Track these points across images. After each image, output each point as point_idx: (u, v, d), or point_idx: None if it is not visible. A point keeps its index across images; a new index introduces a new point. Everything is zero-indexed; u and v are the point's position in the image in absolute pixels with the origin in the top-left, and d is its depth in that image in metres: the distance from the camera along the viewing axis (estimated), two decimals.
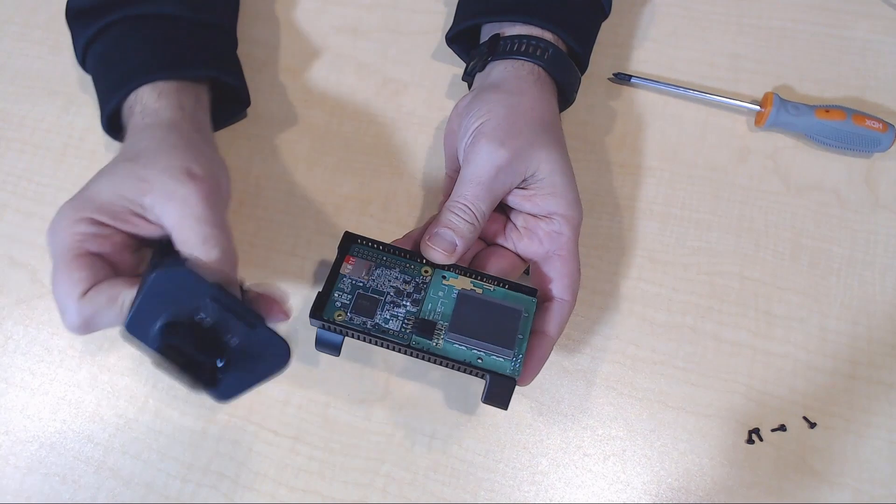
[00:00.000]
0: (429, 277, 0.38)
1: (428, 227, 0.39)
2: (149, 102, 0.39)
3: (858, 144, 0.47)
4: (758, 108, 0.48)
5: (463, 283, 0.38)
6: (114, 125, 0.42)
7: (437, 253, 0.37)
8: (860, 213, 0.47)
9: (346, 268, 0.38)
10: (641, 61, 0.51)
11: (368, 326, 0.36)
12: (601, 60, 0.51)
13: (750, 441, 0.41)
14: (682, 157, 0.48)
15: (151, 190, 0.34)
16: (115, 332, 0.43)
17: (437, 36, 0.52)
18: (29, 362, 0.43)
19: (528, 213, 0.40)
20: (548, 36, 0.42)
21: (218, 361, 0.31)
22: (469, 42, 0.47)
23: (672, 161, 0.48)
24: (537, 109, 0.40)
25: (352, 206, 0.47)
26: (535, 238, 0.40)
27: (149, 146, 0.37)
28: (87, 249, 0.34)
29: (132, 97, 0.40)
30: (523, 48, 0.41)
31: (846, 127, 0.47)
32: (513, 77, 0.41)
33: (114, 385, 0.43)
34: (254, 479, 0.41)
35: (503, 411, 0.42)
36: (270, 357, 0.32)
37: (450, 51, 0.48)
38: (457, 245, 0.37)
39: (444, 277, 0.38)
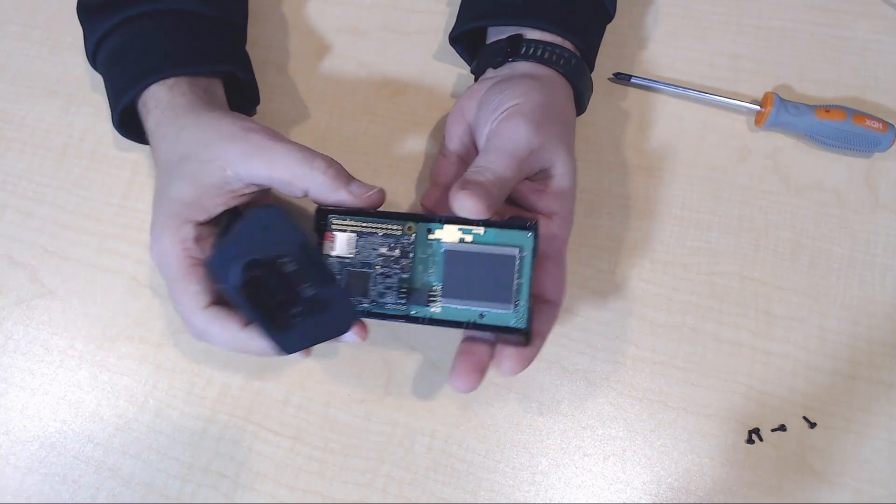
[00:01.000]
0: (413, 235, 0.35)
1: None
2: (164, 98, 0.39)
3: (858, 144, 0.47)
4: (758, 108, 0.48)
5: (450, 233, 0.35)
6: (124, 122, 0.42)
7: (471, 201, 0.33)
8: (860, 213, 0.47)
9: (329, 247, 0.36)
10: (641, 61, 0.51)
11: (366, 306, 0.36)
12: (601, 60, 0.51)
13: (750, 441, 0.41)
14: (682, 157, 0.48)
15: (227, 162, 0.36)
16: (115, 332, 0.44)
17: (437, 36, 0.52)
18: (29, 362, 0.43)
19: (530, 208, 0.39)
20: (568, 45, 0.42)
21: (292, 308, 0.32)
22: (472, 42, 0.47)
23: (672, 161, 0.48)
24: (566, 110, 0.40)
25: None
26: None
27: (192, 134, 0.37)
28: (195, 257, 0.36)
29: (146, 94, 0.40)
30: (546, 55, 0.41)
31: (846, 127, 0.46)
32: (544, 74, 0.41)
33: (114, 385, 0.43)
34: (254, 479, 0.41)
35: (503, 410, 0.42)
36: (337, 316, 0.33)
37: (450, 51, 0.48)
38: (492, 196, 0.34)
39: (429, 231, 0.36)
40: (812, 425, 0.42)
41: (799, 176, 0.48)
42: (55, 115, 0.49)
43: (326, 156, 0.36)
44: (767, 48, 0.52)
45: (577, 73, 0.42)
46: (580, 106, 0.44)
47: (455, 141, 0.42)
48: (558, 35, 0.42)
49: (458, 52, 0.48)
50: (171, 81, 0.40)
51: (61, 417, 0.42)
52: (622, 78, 0.50)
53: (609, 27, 0.50)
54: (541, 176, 0.39)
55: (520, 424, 0.42)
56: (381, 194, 0.36)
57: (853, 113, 0.47)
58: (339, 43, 0.52)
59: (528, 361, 0.35)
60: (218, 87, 0.43)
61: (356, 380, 0.43)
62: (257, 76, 0.51)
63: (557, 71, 0.41)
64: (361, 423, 0.42)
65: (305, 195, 0.37)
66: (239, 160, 0.36)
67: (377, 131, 0.49)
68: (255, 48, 0.51)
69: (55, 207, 0.47)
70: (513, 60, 0.42)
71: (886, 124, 0.47)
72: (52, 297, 0.45)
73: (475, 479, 0.41)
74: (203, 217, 0.36)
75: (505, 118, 0.38)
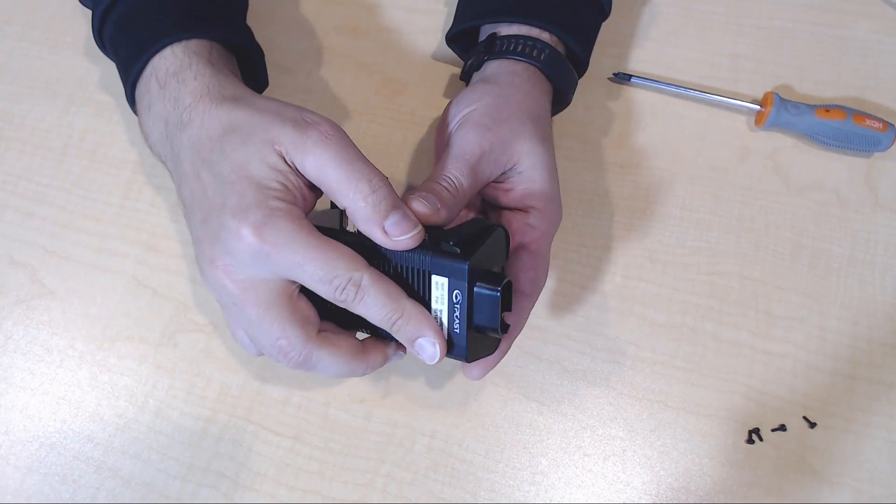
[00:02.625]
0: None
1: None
2: (205, 70, 0.37)
3: (858, 144, 0.47)
4: (758, 107, 0.48)
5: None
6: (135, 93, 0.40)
7: (422, 205, 0.34)
8: (860, 213, 0.47)
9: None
10: (641, 61, 0.51)
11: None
12: (601, 60, 0.51)
13: (750, 441, 0.41)
14: (682, 157, 0.48)
15: (284, 147, 0.33)
16: (114, 332, 0.44)
17: (437, 36, 0.52)
18: (29, 362, 0.43)
19: (505, 208, 0.39)
20: (545, 36, 0.42)
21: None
22: (469, 42, 0.47)
23: (672, 161, 0.48)
24: (526, 103, 0.39)
25: None
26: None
27: (247, 112, 0.34)
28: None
29: (173, 59, 0.37)
30: (519, 48, 0.41)
31: (846, 126, 0.47)
32: (506, 72, 0.41)
33: (114, 385, 0.43)
34: (254, 479, 0.41)
35: (503, 410, 0.42)
36: (490, 342, 0.36)
37: (450, 51, 0.48)
38: (439, 208, 0.34)
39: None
40: (812, 425, 0.42)
41: (799, 176, 0.48)
42: (55, 115, 0.49)
43: (377, 176, 0.33)
44: (767, 48, 0.52)
45: (552, 64, 0.41)
46: (563, 98, 0.44)
47: (439, 156, 0.42)
48: (535, 27, 0.42)
49: (455, 52, 0.48)
50: (206, 52, 0.38)
51: (61, 417, 0.42)
52: (622, 78, 0.50)
53: (609, 27, 0.50)
54: (510, 174, 0.38)
55: (520, 424, 0.42)
56: (417, 239, 0.33)
57: (853, 113, 0.47)
58: (339, 43, 0.52)
59: (491, 366, 0.37)
60: (234, 65, 0.41)
61: (356, 380, 0.43)
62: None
63: (531, 63, 0.41)
64: (361, 423, 0.42)
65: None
66: (295, 149, 0.33)
67: (377, 131, 0.49)
68: None
69: (55, 207, 0.47)
70: (488, 59, 0.42)
71: (886, 124, 0.47)
72: (52, 297, 0.45)
73: (475, 479, 0.41)
74: (295, 201, 0.33)
75: (457, 128, 0.38)
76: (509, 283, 0.33)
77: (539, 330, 0.44)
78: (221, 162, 0.33)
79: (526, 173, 0.38)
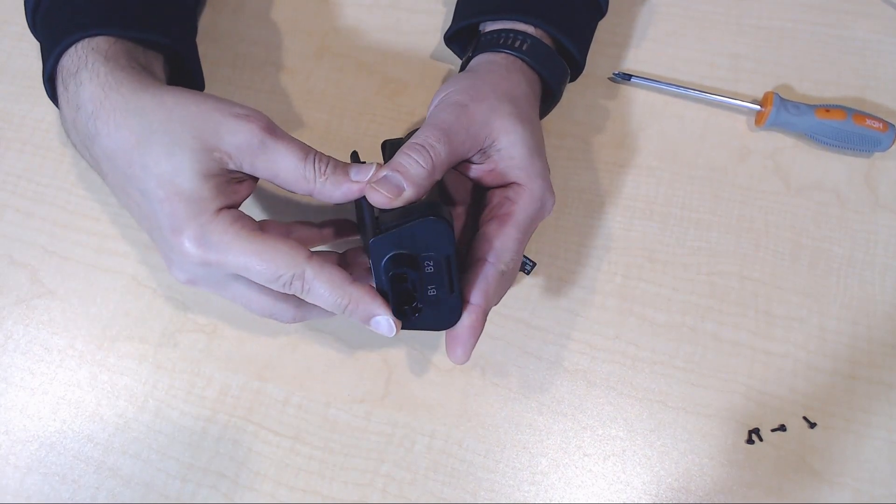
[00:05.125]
0: None
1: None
2: (101, 69, 0.35)
3: (858, 144, 0.47)
4: (758, 107, 0.48)
5: None
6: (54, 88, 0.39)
7: (379, 195, 0.34)
8: (860, 213, 0.47)
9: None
10: (641, 61, 0.51)
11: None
12: (601, 60, 0.51)
13: (750, 441, 0.41)
14: (682, 157, 0.48)
15: (228, 155, 0.34)
16: (114, 332, 0.44)
17: (436, 36, 0.52)
18: (29, 362, 0.43)
19: (489, 188, 0.38)
20: (529, 29, 0.42)
21: (418, 302, 0.35)
22: (467, 42, 0.47)
23: (672, 161, 0.48)
24: (503, 85, 0.39)
25: (352, 206, 0.47)
26: (488, 209, 0.38)
27: (164, 117, 0.33)
28: (254, 227, 0.34)
29: (77, 62, 0.36)
30: (501, 41, 0.41)
31: (846, 126, 0.46)
32: (485, 62, 0.41)
33: (114, 385, 0.43)
34: (254, 479, 0.41)
35: (503, 410, 0.42)
36: (445, 316, 0.36)
37: (449, 51, 0.48)
38: (404, 189, 0.34)
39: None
40: (812, 425, 0.42)
41: (799, 176, 0.48)
42: (55, 115, 0.49)
43: (317, 152, 0.35)
44: (767, 48, 0.51)
45: (534, 52, 0.41)
46: (554, 90, 0.43)
47: None
48: (518, 21, 0.42)
49: (454, 51, 0.48)
50: (105, 48, 0.36)
51: (61, 417, 0.42)
52: (622, 78, 0.50)
53: (609, 27, 0.50)
54: (490, 152, 0.38)
55: (520, 424, 0.42)
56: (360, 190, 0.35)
57: (853, 113, 0.47)
58: (339, 43, 0.52)
59: (470, 345, 0.36)
60: (157, 67, 0.40)
61: (356, 380, 0.43)
62: (257, 76, 0.51)
63: (511, 54, 0.41)
64: (361, 423, 0.42)
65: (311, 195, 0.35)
66: (243, 155, 0.34)
67: (377, 131, 0.49)
68: (256, 48, 0.51)
69: (55, 207, 0.47)
70: (473, 55, 0.42)
71: (886, 124, 0.47)
72: (52, 297, 0.45)
73: (475, 479, 0.41)
74: (228, 202, 0.34)
75: (433, 110, 0.38)
76: (399, 256, 0.34)
77: (539, 330, 0.44)
78: (145, 179, 0.33)
79: (505, 151, 0.37)
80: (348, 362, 0.43)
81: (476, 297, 0.35)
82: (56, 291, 0.45)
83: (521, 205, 0.36)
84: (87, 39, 0.36)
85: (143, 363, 0.43)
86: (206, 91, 0.43)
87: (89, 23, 0.37)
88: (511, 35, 0.41)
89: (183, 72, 0.43)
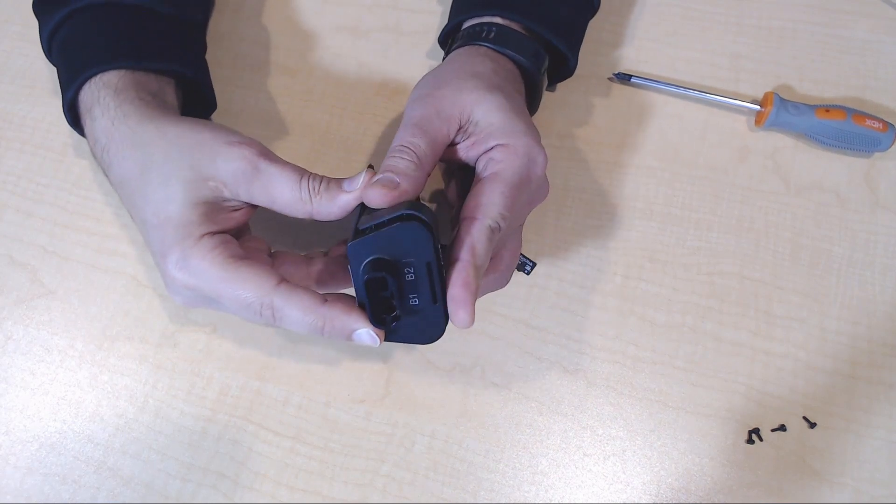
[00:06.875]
0: None
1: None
2: (111, 103, 0.37)
3: (858, 144, 0.47)
4: (758, 107, 0.48)
5: None
6: (76, 118, 0.41)
7: (375, 191, 0.34)
8: (860, 213, 0.47)
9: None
10: (641, 61, 0.51)
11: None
12: (601, 60, 0.51)
13: (750, 441, 0.41)
14: (682, 157, 0.48)
15: (223, 183, 0.35)
16: (115, 332, 0.44)
17: (436, 36, 0.52)
18: (29, 362, 0.43)
19: (472, 161, 0.38)
20: (496, 20, 0.42)
21: (397, 311, 0.34)
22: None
23: (672, 161, 0.48)
24: (465, 67, 0.39)
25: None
26: (476, 176, 0.37)
27: (164, 150, 0.35)
28: (237, 254, 0.35)
29: (90, 98, 0.38)
30: (470, 34, 0.42)
31: (846, 127, 0.46)
32: (450, 56, 0.42)
33: (114, 385, 0.43)
34: (254, 479, 0.41)
35: (503, 410, 0.42)
36: (428, 329, 0.35)
37: None
38: (398, 182, 0.34)
39: None
40: (812, 425, 0.42)
41: (799, 176, 0.48)
42: (55, 115, 0.49)
43: (311, 173, 0.36)
44: (767, 48, 0.51)
45: (502, 39, 0.41)
46: (534, 77, 0.42)
47: None
48: (486, 16, 0.42)
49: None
50: (115, 81, 0.38)
51: (61, 417, 0.42)
52: (622, 78, 0.50)
53: (609, 27, 0.50)
54: (469, 128, 0.37)
55: (520, 424, 0.42)
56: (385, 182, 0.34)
57: (853, 113, 0.47)
58: (339, 43, 0.52)
59: (471, 304, 0.33)
60: (169, 92, 0.41)
61: (356, 380, 0.43)
62: (257, 76, 0.51)
63: (475, 44, 0.41)
64: (361, 423, 0.42)
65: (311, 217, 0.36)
66: (238, 183, 0.34)
67: (377, 131, 0.49)
68: (255, 48, 0.51)
69: (55, 207, 0.47)
70: (447, 54, 0.43)
71: (886, 124, 0.47)
72: (52, 297, 0.45)
73: (475, 479, 0.41)
74: (216, 229, 0.35)
75: (405, 111, 0.38)
76: (378, 260, 0.33)
77: (539, 330, 0.44)
78: (144, 207, 0.35)
79: (483, 120, 0.37)
80: (348, 362, 0.43)
81: (464, 253, 0.33)
82: (56, 291, 0.45)
83: (506, 162, 0.35)
84: (99, 75, 0.38)
85: (143, 363, 0.43)
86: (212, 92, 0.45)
87: (101, 59, 0.38)
88: (479, 28, 0.42)
89: (196, 92, 0.44)
